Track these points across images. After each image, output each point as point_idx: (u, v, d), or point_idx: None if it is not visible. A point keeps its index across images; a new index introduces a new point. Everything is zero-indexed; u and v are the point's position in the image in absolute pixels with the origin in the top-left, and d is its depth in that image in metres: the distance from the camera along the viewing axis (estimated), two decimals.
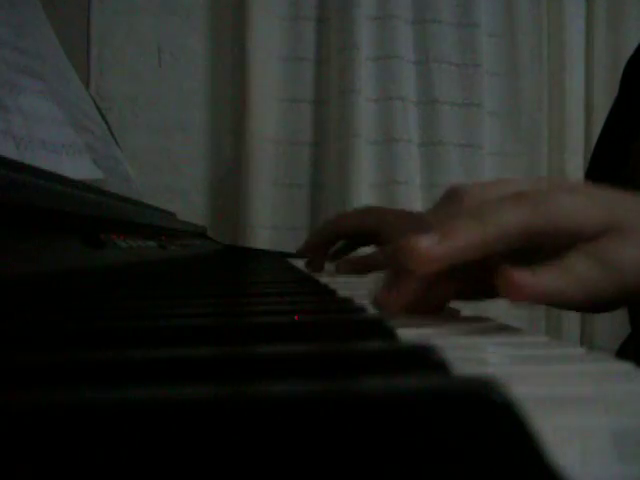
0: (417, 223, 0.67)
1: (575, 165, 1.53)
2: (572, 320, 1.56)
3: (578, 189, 0.34)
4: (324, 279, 0.55)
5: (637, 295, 0.32)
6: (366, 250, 0.78)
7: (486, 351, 0.25)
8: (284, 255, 1.27)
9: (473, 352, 0.24)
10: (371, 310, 0.31)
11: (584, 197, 0.33)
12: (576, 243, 0.31)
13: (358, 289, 0.51)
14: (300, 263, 0.84)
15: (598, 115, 1.53)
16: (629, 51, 0.77)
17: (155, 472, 0.10)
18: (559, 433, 0.14)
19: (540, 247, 0.32)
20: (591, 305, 0.32)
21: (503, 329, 0.30)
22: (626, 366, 0.20)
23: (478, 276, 0.32)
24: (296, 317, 0.26)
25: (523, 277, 0.28)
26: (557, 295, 0.29)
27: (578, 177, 1.50)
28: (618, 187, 0.36)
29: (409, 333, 0.26)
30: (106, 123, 0.95)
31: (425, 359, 0.17)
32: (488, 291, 0.32)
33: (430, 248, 0.29)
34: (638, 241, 0.31)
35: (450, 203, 0.36)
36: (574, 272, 0.30)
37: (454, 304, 0.37)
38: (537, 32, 1.53)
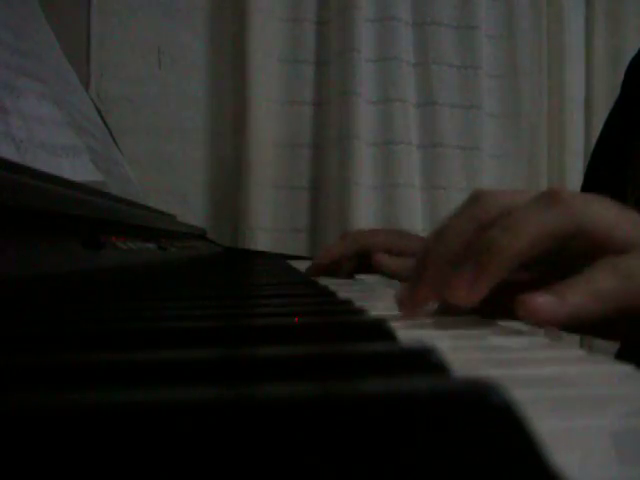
0: (409, 241, 0.68)
1: (575, 166, 1.53)
2: None
3: (601, 199, 0.33)
4: (324, 281, 0.55)
5: None
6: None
7: (486, 353, 0.25)
8: (284, 257, 1.27)
9: (472, 353, 0.24)
10: (371, 312, 0.31)
11: (615, 208, 0.32)
12: (598, 254, 0.30)
13: (358, 291, 0.51)
14: (300, 265, 0.84)
15: (598, 116, 1.53)
16: (628, 51, 0.77)
17: (157, 474, 0.10)
18: (559, 435, 0.14)
19: (563, 258, 0.32)
20: (606, 325, 0.31)
21: (503, 331, 0.30)
22: (626, 368, 0.20)
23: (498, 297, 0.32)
24: (296, 319, 0.26)
25: (544, 301, 0.28)
26: (577, 312, 0.28)
27: (578, 178, 1.50)
28: (619, 187, 0.36)
29: (410, 334, 0.26)
30: (106, 125, 0.96)
31: (425, 361, 0.17)
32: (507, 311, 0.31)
33: (470, 284, 0.30)
34: None
35: (471, 207, 0.35)
36: (599, 287, 0.29)
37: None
38: (537, 33, 1.53)
